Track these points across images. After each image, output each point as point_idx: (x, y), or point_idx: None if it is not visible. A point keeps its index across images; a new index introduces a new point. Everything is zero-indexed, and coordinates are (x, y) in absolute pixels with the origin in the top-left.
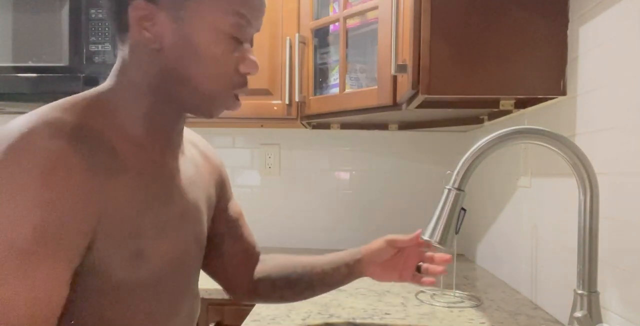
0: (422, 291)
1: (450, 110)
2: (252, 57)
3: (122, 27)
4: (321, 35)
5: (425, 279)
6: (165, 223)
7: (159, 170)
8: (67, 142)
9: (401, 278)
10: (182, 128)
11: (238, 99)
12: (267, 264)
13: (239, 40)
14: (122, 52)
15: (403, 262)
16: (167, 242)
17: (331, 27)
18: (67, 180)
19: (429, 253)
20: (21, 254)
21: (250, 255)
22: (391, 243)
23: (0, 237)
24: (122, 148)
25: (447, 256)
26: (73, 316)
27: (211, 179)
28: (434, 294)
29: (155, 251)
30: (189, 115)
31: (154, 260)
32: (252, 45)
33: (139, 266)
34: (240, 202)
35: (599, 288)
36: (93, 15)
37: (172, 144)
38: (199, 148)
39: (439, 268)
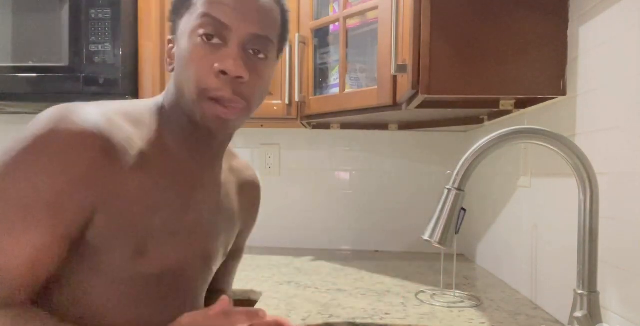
0: (422, 292)
1: (450, 110)
2: (230, 58)
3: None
4: (321, 35)
5: None
6: (175, 231)
7: (182, 178)
8: (89, 127)
9: None
10: (219, 149)
11: (222, 106)
12: None
13: (215, 43)
14: None
15: None
16: (173, 249)
17: (331, 27)
18: (78, 157)
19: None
20: (18, 211)
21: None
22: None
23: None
24: (149, 151)
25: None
26: (67, 300)
27: (242, 212)
28: (434, 294)
29: (159, 255)
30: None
31: (157, 262)
32: (256, 46)
33: (140, 265)
34: None
35: (599, 288)
36: (93, 15)
37: (203, 159)
38: (243, 182)
39: None
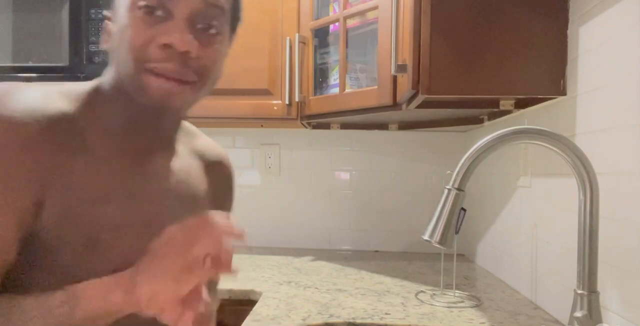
0: (422, 292)
1: (450, 110)
2: (176, 31)
3: None
4: (321, 35)
5: None
6: (129, 223)
7: (129, 164)
8: (25, 109)
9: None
10: (170, 131)
11: (166, 78)
12: None
13: (159, 15)
14: None
15: None
16: (128, 243)
17: (331, 27)
18: (14, 145)
19: None
20: None
21: None
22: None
23: None
24: (92, 133)
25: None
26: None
27: (209, 195)
28: (434, 294)
29: (113, 250)
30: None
31: (111, 257)
32: (209, 20)
33: (92, 260)
34: (241, 202)
35: (599, 288)
36: (93, 15)
37: (153, 144)
38: (210, 162)
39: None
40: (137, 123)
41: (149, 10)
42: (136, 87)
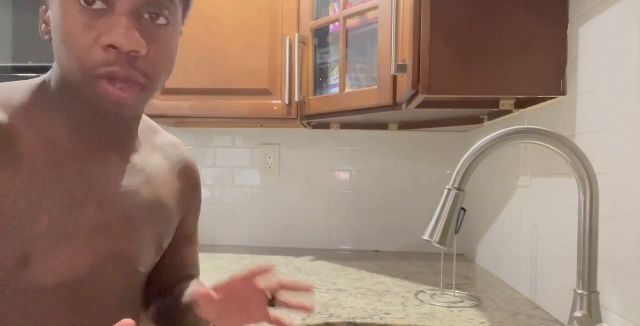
0: (422, 292)
1: (450, 110)
2: (119, 28)
3: None
4: (321, 35)
5: (289, 322)
6: (70, 233)
7: (73, 170)
8: None
9: (253, 320)
10: (126, 132)
11: (115, 86)
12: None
13: (99, 9)
14: None
15: (247, 300)
16: (68, 255)
17: (331, 27)
18: None
19: (279, 281)
20: None
21: (169, 276)
22: (221, 289)
23: None
24: (27, 146)
25: (306, 284)
26: None
27: (176, 196)
28: (434, 294)
29: (49, 263)
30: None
31: (44, 273)
32: (156, 9)
33: (26, 278)
34: (241, 202)
35: (599, 288)
36: None
37: (104, 146)
38: (172, 161)
39: (301, 303)
40: (85, 127)
41: (87, 1)
42: (89, 95)
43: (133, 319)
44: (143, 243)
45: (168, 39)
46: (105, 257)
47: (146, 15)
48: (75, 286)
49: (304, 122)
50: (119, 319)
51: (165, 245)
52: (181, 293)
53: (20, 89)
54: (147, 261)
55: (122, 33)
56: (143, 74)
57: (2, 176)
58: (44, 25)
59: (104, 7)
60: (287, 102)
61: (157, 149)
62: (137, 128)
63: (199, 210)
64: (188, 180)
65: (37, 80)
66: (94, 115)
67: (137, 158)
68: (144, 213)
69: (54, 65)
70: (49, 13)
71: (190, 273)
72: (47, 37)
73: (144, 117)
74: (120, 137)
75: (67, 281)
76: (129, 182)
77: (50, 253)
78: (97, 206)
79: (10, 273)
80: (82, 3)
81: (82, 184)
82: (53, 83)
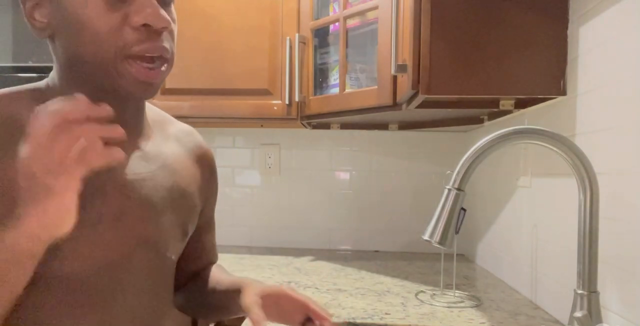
0: (422, 291)
1: (450, 110)
2: (148, 7)
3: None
4: (321, 35)
5: None
6: (93, 221)
7: None
8: None
9: (282, 319)
10: (135, 120)
11: (147, 67)
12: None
13: None
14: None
15: (285, 312)
16: (95, 242)
17: (331, 27)
18: None
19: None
20: None
21: (193, 260)
22: (284, 295)
23: None
24: None
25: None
26: None
27: (195, 181)
28: (434, 294)
29: (76, 252)
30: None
31: (75, 261)
32: (166, 6)
33: (54, 266)
34: (241, 202)
35: (599, 288)
36: None
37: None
38: (189, 148)
39: None
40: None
41: None
42: (115, 77)
43: (166, 306)
44: (167, 228)
45: (174, 17)
46: (132, 243)
47: None
48: (107, 273)
49: (304, 122)
50: (153, 306)
51: (190, 230)
52: (206, 281)
53: (26, 90)
54: (174, 247)
55: (152, 11)
56: (166, 54)
57: (13, 168)
58: (39, 21)
59: None
60: (287, 102)
61: (170, 137)
62: (144, 115)
63: (216, 196)
64: (206, 166)
65: (37, 84)
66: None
67: (150, 146)
68: (164, 199)
69: (55, 67)
70: (46, 9)
71: (210, 259)
72: (45, 32)
73: (155, 108)
74: (131, 124)
75: (99, 269)
76: (144, 168)
77: (78, 241)
78: (118, 193)
79: (42, 264)
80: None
81: (101, 172)
82: (59, 82)
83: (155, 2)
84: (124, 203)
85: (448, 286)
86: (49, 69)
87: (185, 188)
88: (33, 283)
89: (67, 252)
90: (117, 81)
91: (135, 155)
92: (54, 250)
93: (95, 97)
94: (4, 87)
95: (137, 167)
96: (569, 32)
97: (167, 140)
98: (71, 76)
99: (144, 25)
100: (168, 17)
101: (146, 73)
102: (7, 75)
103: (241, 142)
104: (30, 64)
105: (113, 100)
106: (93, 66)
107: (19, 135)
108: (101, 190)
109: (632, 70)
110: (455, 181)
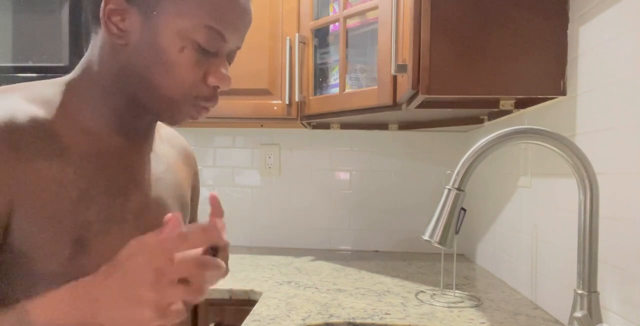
0: (422, 292)
1: (450, 110)
2: (224, 70)
3: (95, 19)
4: (321, 35)
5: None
6: (119, 219)
7: (112, 160)
8: None
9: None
10: (151, 124)
11: (205, 109)
12: None
13: (209, 52)
14: (92, 44)
15: None
16: (121, 239)
17: (331, 27)
18: None
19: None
20: None
21: None
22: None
23: None
24: (70, 138)
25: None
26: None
27: (188, 181)
28: (434, 294)
29: (101, 247)
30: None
31: (101, 258)
32: (231, 60)
33: (81, 263)
34: (241, 202)
35: (599, 288)
36: None
37: (135, 138)
38: (178, 150)
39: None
40: (120, 120)
41: (206, 50)
42: (169, 110)
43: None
44: None
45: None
46: None
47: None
48: None
49: (304, 122)
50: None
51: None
52: None
53: (47, 88)
54: None
55: (223, 74)
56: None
57: (54, 165)
58: (118, 27)
59: (215, 51)
60: (287, 102)
61: (164, 140)
62: (157, 121)
63: (199, 197)
64: (191, 166)
65: (59, 80)
66: (131, 112)
67: (156, 147)
68: (172, 198)
69: (90, 62)
70: (132, 20)
71: None
72: (122, 41)
73: None
74: (147, 128)
75: None
76: (156, 169)
77: (104, 238)
78: (139, 192)
79: (70, 260)
80: (201, 50)
81: (123, 172)
82: (86, 81)
83: (227, 63)
84: (144, 202)
85: (448, 286)
86: (49, 69)
87: (183, 187)
88: (57, 280)
89: (95, 249)
90: (170, 112)
91: (149, 157)
92: (83, 246)
93: (125, 105)
94: None
95: (151, 167)
96: (569, 32)
97: (162, 142)
98: (116, 80)
99: (216, 86)
100: (230, 79)
101: (202, 113)
102: (7, 75)
103: (241, 142)
104: (30, 63)
105: (135, 110)
106: (154, 92)
107: (46, 136)
108: (125, 188)
109: (632, 70)
110: (455, 181)
